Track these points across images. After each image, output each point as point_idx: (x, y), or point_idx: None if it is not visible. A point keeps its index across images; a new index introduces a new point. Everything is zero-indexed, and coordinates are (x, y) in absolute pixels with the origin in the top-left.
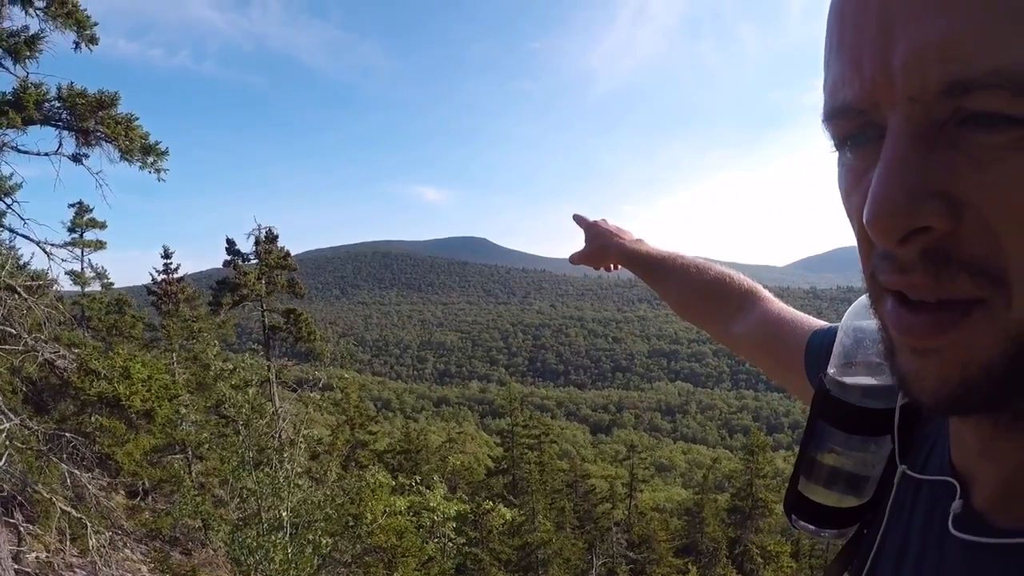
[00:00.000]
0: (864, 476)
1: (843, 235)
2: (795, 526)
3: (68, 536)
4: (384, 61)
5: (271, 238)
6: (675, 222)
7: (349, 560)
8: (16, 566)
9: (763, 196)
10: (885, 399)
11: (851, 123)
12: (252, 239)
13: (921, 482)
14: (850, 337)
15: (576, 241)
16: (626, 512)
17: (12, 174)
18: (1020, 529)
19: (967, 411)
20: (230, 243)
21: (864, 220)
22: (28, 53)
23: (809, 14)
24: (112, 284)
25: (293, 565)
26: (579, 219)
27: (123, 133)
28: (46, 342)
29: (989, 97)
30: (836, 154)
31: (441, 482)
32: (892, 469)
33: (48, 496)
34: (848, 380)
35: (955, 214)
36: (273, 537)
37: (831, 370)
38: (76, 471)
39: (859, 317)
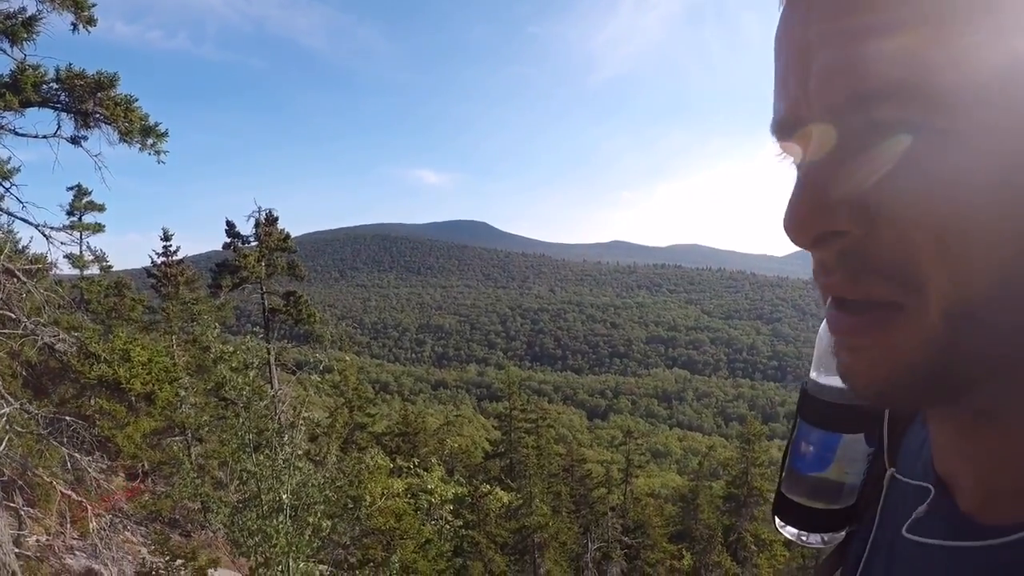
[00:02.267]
0: (840, 481)
1: None
2: (780, 531)
3: (68, 519)
4: (384, 44)
5: (271, 220)
6: (674, 210)
7: (348, 542)
8: (17, 549)
9: (763, 185)
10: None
11: (786, 135)
12: (252, 221)
13: (908, 486)
14: (825, 339)
15: (576, 229)
16: (622, 497)
17: (10, 157)
18: (1004, 527)
19: (896, 404)
20: (230, 225)
21: (782, 223)
22: (25, 35)
23: None
24: (111, 267)
25: (293, 547)
26: None
27: (122, 115)
28: (45, 326)
29: (888, 106)
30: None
31: (439, 465)
32: (878, 473)
33: (48, 479)
34: (826, 380)
35: (867, 219)
36: (275, 520)
37: (813, 373)
38: (76, 454)
39: None
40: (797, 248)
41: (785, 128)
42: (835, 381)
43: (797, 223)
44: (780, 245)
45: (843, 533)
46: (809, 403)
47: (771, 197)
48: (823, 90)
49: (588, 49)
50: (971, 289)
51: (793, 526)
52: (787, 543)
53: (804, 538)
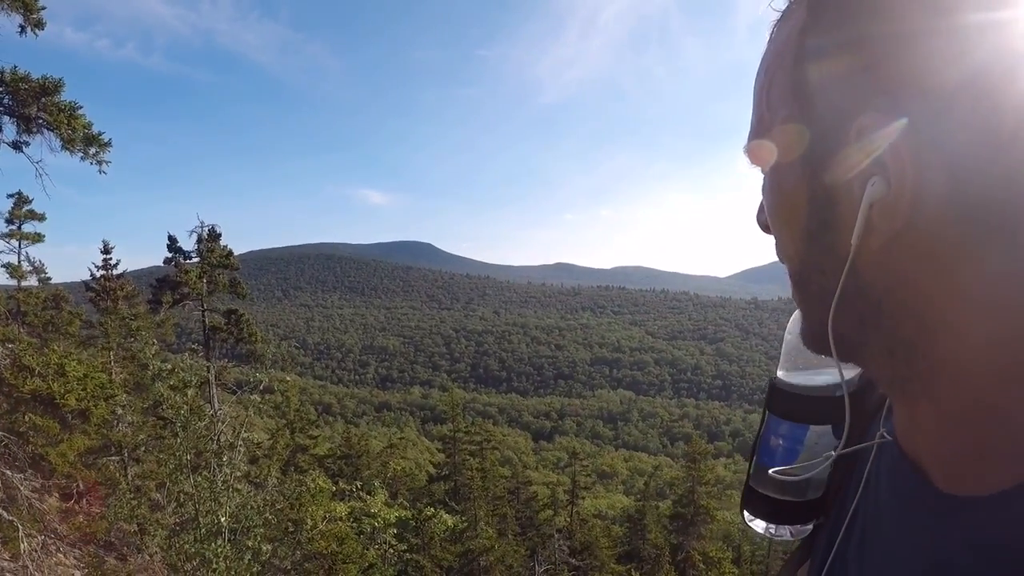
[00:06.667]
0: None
1: None
2: (749, 524)
3: None
4: (332, 62)
5: (214, 236)
6: (618, 232)
7: (289, 567)
8: None
9: (706, 207)
10: (827, 392)
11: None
12: (194, 237)
13: (873, 475)
14: (793, 334)
15: (521, 251)
16: (568, 519)
17: None
18: (978, 497)
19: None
20: (172, 240)
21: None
22: None
23: (755, 31)
24: (49, 279)
25: (232, 572)
26: None
27: (66, 121)
28: None
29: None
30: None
31: (382, 488)
32: (845, 466)
33: None
34: (794, 376)
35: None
36: (214, 545)
37: (780, 372)
38: (8, 472)
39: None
40: (740, 269)
41: (751, 139)
42: (803, 377)
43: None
44: (723, 266)
45: (811, 526)
46: (778, 396)
47: (714, 220)
48: (772, 107)
49: (535, 72)
50: (809, 288)
51: (762, 519)
52: (735, 560)
53: (772, 531)
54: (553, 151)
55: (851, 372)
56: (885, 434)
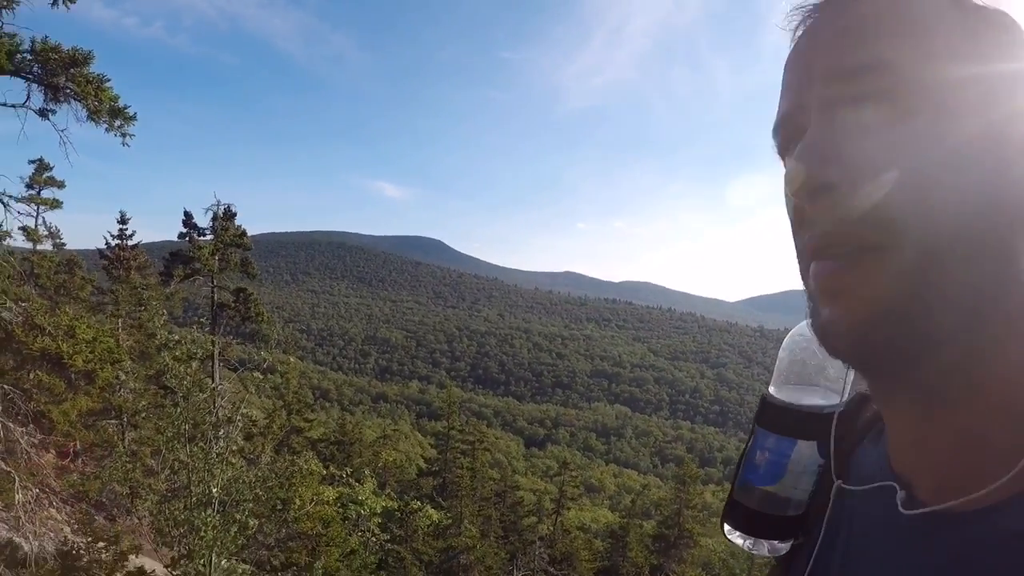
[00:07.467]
0: (788, 496)
1: (795, 278)
2: (728, 537)
3: None
4: (356, 53)
5: (229, 215)
6: (630, 246)
7: (273, 543)
8: None
9: (720, 230)
10: (817, 408)
11: (787, 130)
12: (210, 214)
13: (856, 497)
14: (787, 352)
15: (530, 256)
16: (551, 528)
17: None
18: (965, 514)
19: (875, 356)
20: (187, 216)
21: (785, 180)
22: (5, 3)
23: (780, 56)
24: (64, 244)
25: (218, 542)
26: None
27: (92, 93)
28: None
29: (853, 83)
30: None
31: (371, 477)
32: (827, 486)
33: None
34: (785, 394)
35: (851, 173)
36: (203, 514)
37: (772, 388)
38: (10, 424)
39: (795, 339)
40: (748, 296)
41: (787, 121)
42: (793, 393)
43: (797, 179)
44: (731, 291)
45: (788, 544)
46: (768, 410)
47: (727, 244)
48: (817, 76)
49: (558, 79)
50: (939, 230)
51: (741, 531)
52: None
53: (750, 545)
54: (572, 158)
55: (836, 397)
56: (842, 485)
